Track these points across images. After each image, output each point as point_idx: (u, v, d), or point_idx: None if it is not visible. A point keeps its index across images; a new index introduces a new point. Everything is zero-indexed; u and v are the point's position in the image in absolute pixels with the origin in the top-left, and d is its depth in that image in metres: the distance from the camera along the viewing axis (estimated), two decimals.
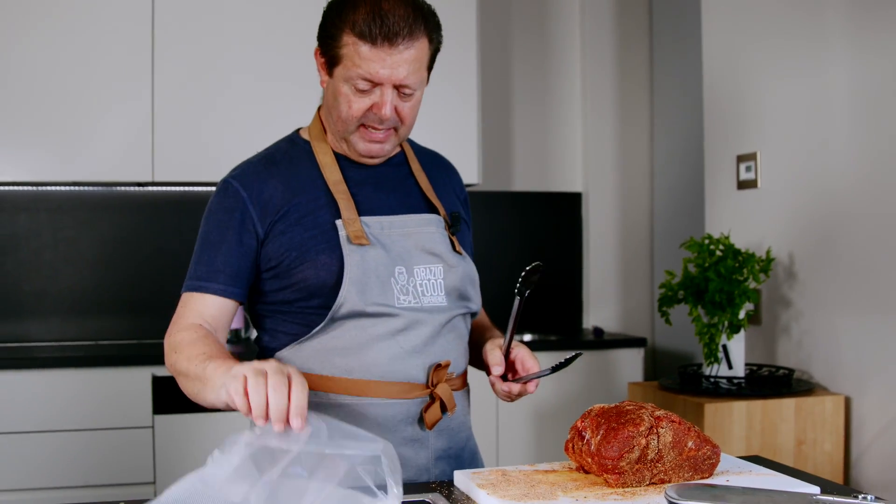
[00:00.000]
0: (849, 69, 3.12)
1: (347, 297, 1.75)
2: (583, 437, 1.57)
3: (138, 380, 3.63)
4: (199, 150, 4.00)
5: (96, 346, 4.07)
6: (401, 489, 1.33)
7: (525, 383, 1.84)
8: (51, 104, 3.86)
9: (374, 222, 1.82)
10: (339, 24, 1.74)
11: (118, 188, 4.28)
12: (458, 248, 1.90)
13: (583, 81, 4.95)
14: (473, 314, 1.96)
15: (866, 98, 3.06)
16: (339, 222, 1.79)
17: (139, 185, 4.18)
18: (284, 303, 1.83)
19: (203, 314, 1.80)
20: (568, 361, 1.74)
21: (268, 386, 1.39)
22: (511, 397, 1.88)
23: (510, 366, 1.88)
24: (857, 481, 3.11)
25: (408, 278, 1.81)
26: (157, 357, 3.67)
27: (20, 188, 4.17)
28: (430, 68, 1.83)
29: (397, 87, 1.75)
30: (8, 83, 3.82)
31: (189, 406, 3.64)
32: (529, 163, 4.91)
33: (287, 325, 1.85)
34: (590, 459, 1.54)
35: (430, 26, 1.77)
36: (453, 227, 1.91)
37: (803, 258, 3.33)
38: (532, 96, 4.92)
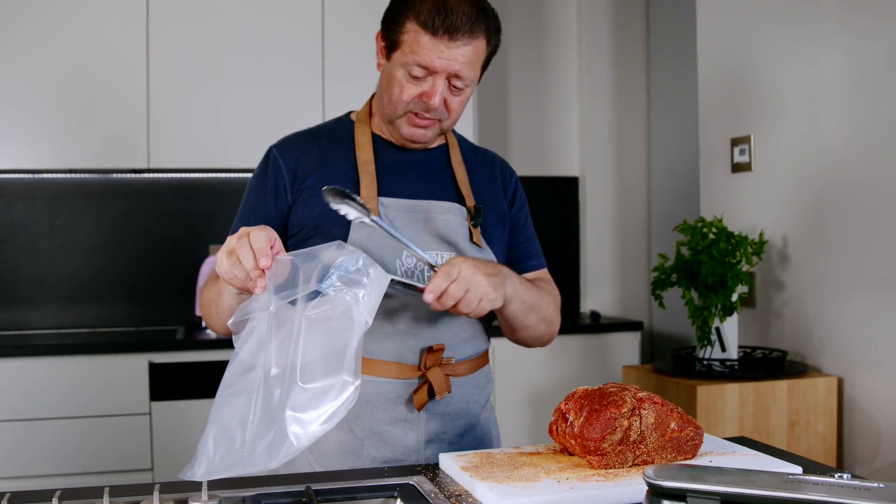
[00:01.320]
0: (842, 53, 3.12)
1: None
2: (566, 419, 1.58)
3: (135, 367, 3.64)
4: (194, 136, 4.00)
5: (93, 334, 4.08)
6: (377, 267, 1.47)
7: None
8: (47, 92, 3.86)
9: (392, 203, 1.85)
10: (405, 10, 1.78)
11: (114, 175, 4.28)
12: (475, 239, 1.91)
13: (579, 66, 4.94)
14: None
15: (859, 82, 3.06)
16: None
17: (135, 171, 4.18)
18: None
19: None
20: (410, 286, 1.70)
21: (237, 254, 1.48)
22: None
23: None
24: (849, 462, 3.12)
25: (415, 262, 1.83)
26: (154, 344, 3.69)
27: (17, 176, 4.18)
28: (484, 68, 1.86)
29: (449, 80, 1.79)
30: (4, 71, 3.82)
31: (186, 392, 3.66)
32: (526, 147, 4.90)
33: None
34: (573, 441, 1.55)
35: (490, 28, 1.81)
36: (475, 219, 1.92)
37: (796, 241, 3.34)
38: (529, 81, 4.91)
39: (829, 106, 3.18)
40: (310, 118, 4.00)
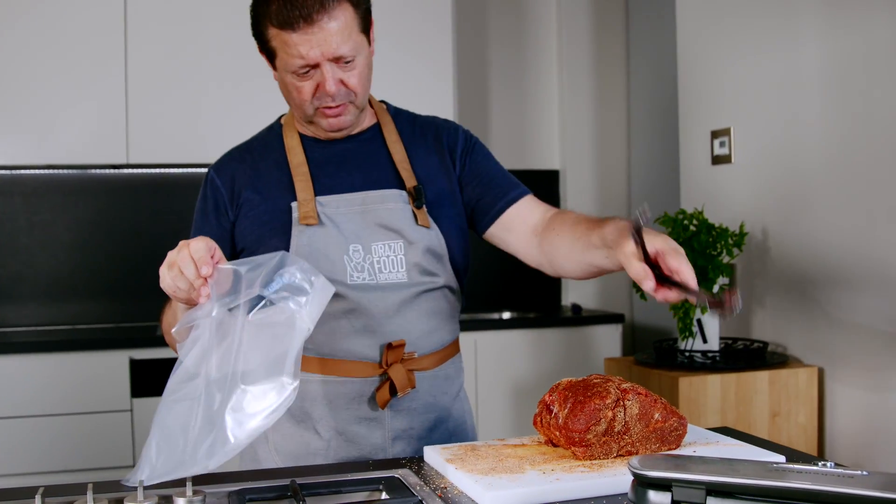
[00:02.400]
0: (820, 45, 3.13)
1: None
2: (551, 411, 1.58)
3: (116, 363, 3.63)
4: (173, 131, 3.98)
5: (73, 331, 4.06)
6: (320, 277, 1.47)
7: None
8: (24, 87, 3.83)
9: (330, 201, 1.83)
10: (261, 19, 1.76)
11: (93, 171, 4.26)
12: (420, 221, 1.86)
13: (559, 59, 4.95)
14: (442, 288, 1.90)
15: (837, 73, 3.07)
16: (293, 204, 1.82)
17: (114, 167, 4.16)
18: None
19: None
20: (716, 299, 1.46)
21: (178, 266, 1.48)
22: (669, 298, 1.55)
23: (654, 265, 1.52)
24: (830, 452, 3.14)
25: (364, 255, 1.80)
26: (134, 340, 3.67)
27: None
28: (366, 31, 1.79)
29: (335, 61, 1.74)
30: None
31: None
32: (507, 141, 4.91)
33: None
34: (557, 433, 1.55)
35: None
36: (417, 200, 1.87)
37: (776, 232, 3.35)
38: (509, 74, 4.92)
39: (808, 98, 3.19)
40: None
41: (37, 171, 4.19)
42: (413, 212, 1.86)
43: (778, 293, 3.36)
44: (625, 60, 5.00)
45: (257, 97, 4.03)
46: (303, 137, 1.92)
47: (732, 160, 3.56)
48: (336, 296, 1.75)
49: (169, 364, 3.74)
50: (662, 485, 1.20)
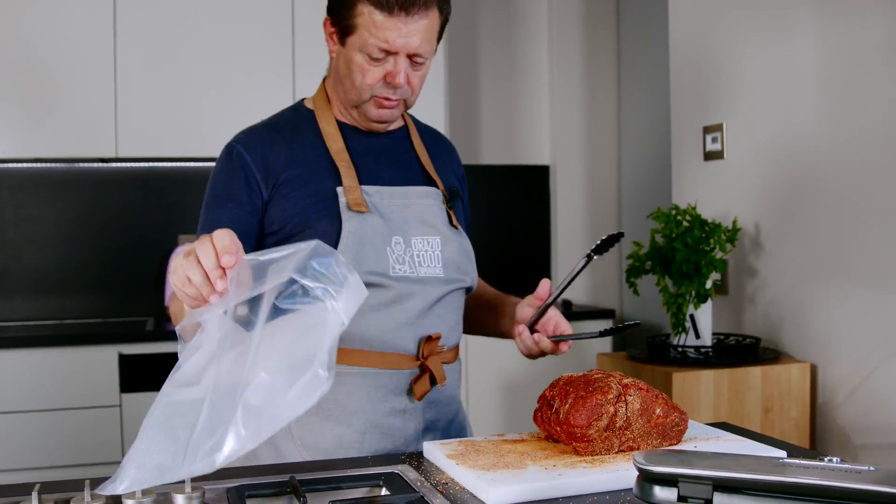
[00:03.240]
0: (815, 40, 3.13)
1: None
2: (551, 406, 1.57)
3: (105, 358, 3.60)
4: (163, 124, 3.96)
5: (61, 325, 4.03)
6: (356, 275, 1.35)
7: (558, 342, 1.85)
8: (12, 79, 3.80)
9: (374, 191, 1.83)
10: None
11: (81, 164, 4.23)
12: (454, 222, 1.92)
13: (550, 54, 4.93)
14: (469, 289, 1.96)
15: (832, 69, 3.07)
16: (339, 189, 1.80)
17: (103, 160, 4.13)
18: None
19: None
20: (619, 329, 1.74)
21: (197, 256, 1.35)
22: (533, 352, 1.88)
23: (542, 324, 1.88)
24: (822, 448, 3.14)
25: (405, 248, 1.81)
26: (123, 335, 3.65)
27: None
28: (439, 40, 1.85)
29: (410, 57, 1.77)
30: None
31: (157, 384, 3.61)
32: (497, 136, 4.90)
33: None
34: (558, 428, 1.54)
35: None
36: (451, 201, 1.93)
37: (769, 228, 3.35)
38: (499, 69, 4.90)
39: (801, 93, 3.19)
40: (281, 105, 3.97)
41: (24, 165, 4.16)
42: (447, 213, 1.92)
43: (770, 289, 3.36)
44: (616, 55, 5.00)
45: (248, 91, 4.02)
46: (339, 124, 1.91)
47: (725, 156, 3.55)
48: (378, 286, 1.77)
49: (159, 359, 3.73)
50: (668, 480, 1.19)
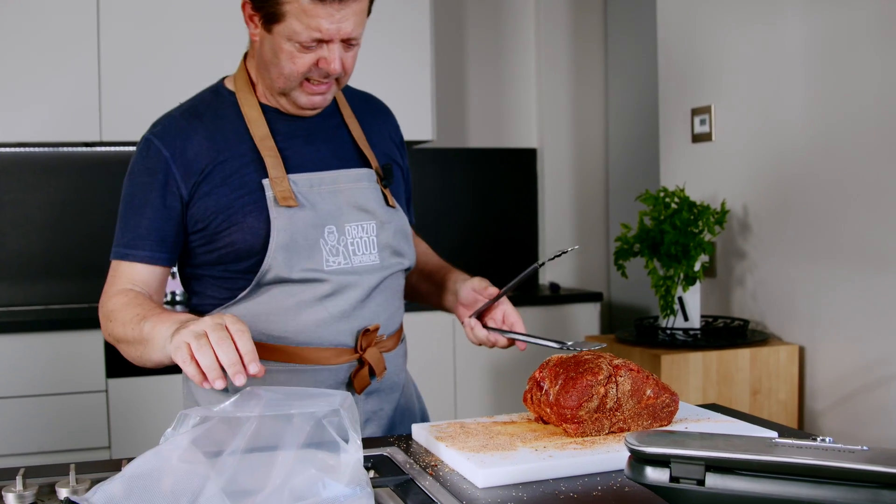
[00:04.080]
0: (802, 22, 3.12)
1: (273, 264, 1.70)
2: (541, 388, 1.56)
3: (91, 343, 3.58)
4: (147, 108, 3.89)
5: (47, 311, 4.00)
6: (360, 439, 1.31)
7: (513, 341, 1.85)
8: None
9: (303, 180, 1.75)
10: None
11: (65, 149, 4.19)
12: (390, 201, 1.85)
13: (537, 36, 4.91)
14: (407, 270, 1.91)
15: (820, 51, 3.06)
16: (266, 182, 1.72)
17: (87, 145, 4.10)
18: (211, 265, 1.78)
19: (133, 280, 1.76)
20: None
21: (212, 344, 1.36)
22: (481, 342, 1.87)
23: (491, 316, 1.89)
24: (810, 429, 3.15)
25: (338, 237, 1.75)
26: None
27: None
28: (368, 14, 1.76)
29: (343, 41, 1.68)
30: None
31: (143, 369, 3.60)
32: (484, 119, 4.88)
33: (214, 290, 1.80)
34: (548, 409, 1.53)
35: None
36: (385, 179, 1.85)
37: (757, 210, 3.35)
38: (486, 52, 4.88)
39: (789, 75, 3.18)
40: None
41: (8, 149, 4.12)
42: (382, 192, 1.84)
43: (758, 271, 3.36)
44: (603, 37, 4.98)
45: (231, 73, 3.98)
46: (263, 108, 1.82)
47: (713, 138, 3.54)
48: (314, 282, 1.73)
49: None
50: (660, 461, 1.18)
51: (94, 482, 1.33)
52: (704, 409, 1.72)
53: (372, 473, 1.43)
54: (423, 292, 2.07)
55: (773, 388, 3.11)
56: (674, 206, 3.23)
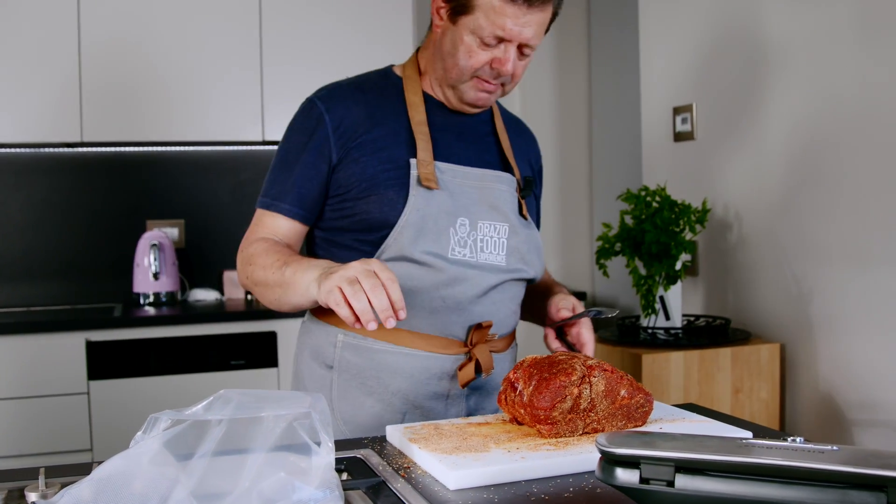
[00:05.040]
0: (783, 20, 3.12)
1: (398, 239, 1.75)
2: (515, 389, 1.55)
3: (72, 345, 3.56)
4: (129, 109, 3.91)
5: (28, 313, 3.98)
6: (332, 442, 1.30)
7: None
8: None
9: (448, 168, 1.81)
10: None
11: (46, 149, 4.17)
12: (524, 212, 1.91)
13: None
14: (530, 281, 1.94)
15: (801, 50, 3.06)
16: (412, 161, 1.78)
17: (68, 145, 4.08)
18: (341, 230, 1.84)
19: (274, 231, 1.83)
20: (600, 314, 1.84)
21: (365, 290, 1.46)
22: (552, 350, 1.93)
23: (575, 335, 1.94)
24: (792, 427, 3.15)
25: (469, 231, 1.80)
26: (90, 322, 3.61)
27: None
28: (546, 32, 1.83)
29: (520, 46, 1.75)
30: None
31: (124, 371, 3.59)
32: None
33: (335, 258, 1.83)
34: (522, 410, 1.52)
35: None
36: (524, 190, 1.92)
37: (738, 209, 3.35)
38: None
39: (770, 74, 3.18)
40: (247, 87, 3.94)
41: None
42: (519, 201, 1.90)
43: (740, 270, 3.36)
44: (586, 36, 4.98)
45: (214, 73, 3.97)
46: (425, 97, 1.89)
47: (695, 137, 3.55)
48: (432, 268, 1.76)
49: (127, 345, 3.66)
50: (631, 462, 1.18)
51: (64, 486, 1.32)
52: (680, 410, 1.72)
53: (345, 476, 1.43)
54: (530, 308, 2.09)
55: (755, 387, 3.11)
56: (655, 205, 3.23)
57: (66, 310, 4.05)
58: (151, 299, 4.04)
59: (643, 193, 3.25)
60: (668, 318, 3.23)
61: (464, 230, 1.79)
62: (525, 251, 1.88)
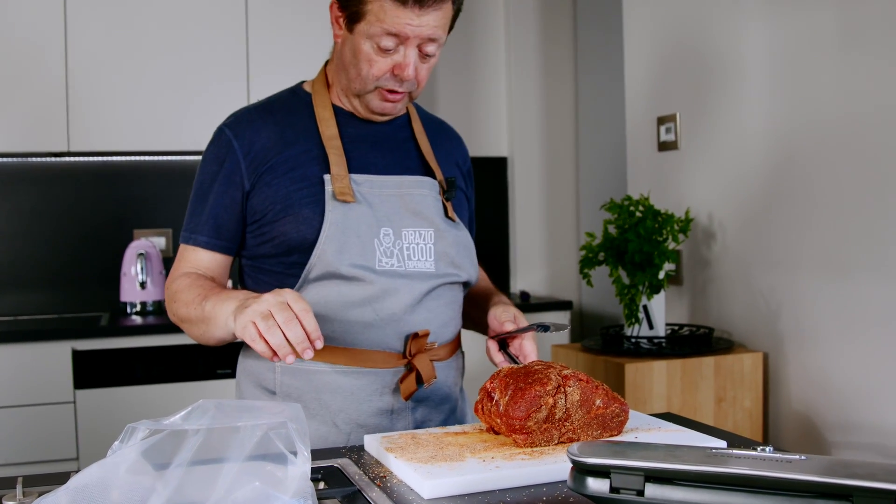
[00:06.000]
0: (765, 30, 3.15)
1: (322, 256, 1.73)
2: (492, 398, 1.57)
3: (58, 354, 3.56)
4: (115, 118, 3.91)
5: (14, 321, 3.98)
6: (309, 452, 1.31)
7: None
8: None
9: (364, 180, 1.79)
10: None
11: (33, 159, 4.18)
12: (451, 214, 1.87)
13: (507, 45, 4.93)
14: (465, 283, 1.92)
15: (783, 59, 3.08)
16: (326, 177, 1.77)
17: (55, 155, 4.08)
18: (264, 257, 1.82)
19: (196, 265, 1.83)
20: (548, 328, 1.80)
21: (279, 324, 1.45)
22: (495, 364, 1.90)
23: (517, 348, 1.90)
24: (774, 436, 3.17)
25: (394, 240, 1.77)
26: (77, 331, 3.61)
27: None
28: (449, 30, 1.81)
29: (419, 47, 1.73)
30: None
31: (111, 380, 3.59)
32: (454, 127, 4.86)
33: (263, 285, 1.82)
34: (498, 420, 1.54)
35: None
36: (448, 192, 1.88)
37: (722, 218, 3.37)
38: (456, 61, 4.89)
39: (754, 84, 3.20)
40: (234, 96, 3.94)
41: None
42: (443, 204, 1.87)
43: (723, 279, 3.38)
44: (573, 47, 5.00)
45: (202, 83, 3.98)
46: (336, 109, 1.87)
47: (679, 146, 3.57)
48: (362, 282, 1.74)
49: (113, 355, 3.67)
50: (601, 472, 1.19)
51: (42, 494, 1.33)
52: (656, 419, 1.73)
53: (322, 485, 1.44)
54: (469, 317, 2.06)
55: (738, 396, 3.13)
56: (638, 214, 3.25)
57: (52, 319, 4.06)
58: (138, 308, 4.04)
59: (626, 203, 3.26)
60: (651, 327, 3.24)
61: (388, 240, 1.77)
62: (454, 254, 1.85)
